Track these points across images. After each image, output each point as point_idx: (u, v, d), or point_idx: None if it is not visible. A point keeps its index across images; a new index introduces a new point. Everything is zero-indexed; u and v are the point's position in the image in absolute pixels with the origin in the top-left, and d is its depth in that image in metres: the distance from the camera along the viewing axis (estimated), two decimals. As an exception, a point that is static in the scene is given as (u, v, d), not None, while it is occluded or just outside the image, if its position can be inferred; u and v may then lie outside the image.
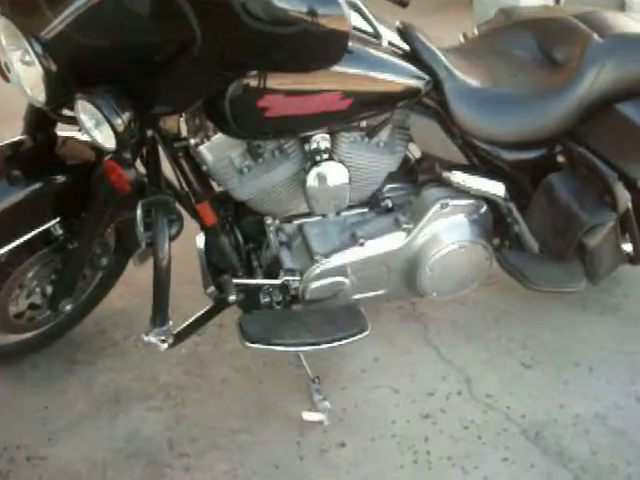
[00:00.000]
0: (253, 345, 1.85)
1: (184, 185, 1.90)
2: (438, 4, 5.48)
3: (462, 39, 2.33)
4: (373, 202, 2.05)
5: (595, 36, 1.98)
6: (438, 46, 2.01)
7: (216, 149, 1.82)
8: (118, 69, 1.56)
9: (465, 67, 1.96)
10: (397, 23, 1.93)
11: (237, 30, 1.45)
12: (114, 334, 2.30)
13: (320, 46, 1.54)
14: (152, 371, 2.14)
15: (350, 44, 1.61)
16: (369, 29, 1.67)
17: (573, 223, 1.87)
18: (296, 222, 2.01)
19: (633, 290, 2.48)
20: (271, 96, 1.63)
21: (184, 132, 1.86)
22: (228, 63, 1.54)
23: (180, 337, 1.89)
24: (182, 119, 1.85)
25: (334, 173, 1.85)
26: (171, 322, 1.80)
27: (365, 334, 1.91)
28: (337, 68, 1.64)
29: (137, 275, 2.29)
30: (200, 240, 2.11)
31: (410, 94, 1.83)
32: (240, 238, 2.04)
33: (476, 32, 2.33)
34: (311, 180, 1.85)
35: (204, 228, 1.99)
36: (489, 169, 2.01)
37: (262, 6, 1.42)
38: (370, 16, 1.64)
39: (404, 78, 1.80)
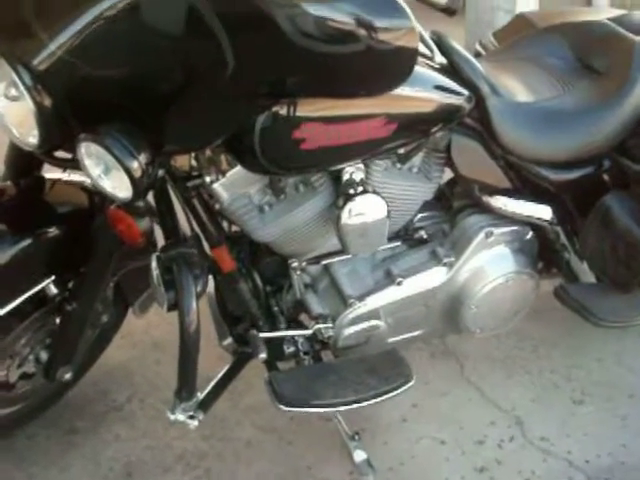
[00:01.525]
0: (290, 409, 1.61)
1: (196, 229, 1.66)
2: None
3: (480, 49, 2.14)
4: (406, 234, 1.84)
5: (639, 40, 1.81)
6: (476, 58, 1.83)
7: (233, 186, 1.58)
8: (130, 102, 1.30)
9: (504, 80, 1.77)
10: (428, 33, 1.72)
11: (281, 51, 1.22)
12: (116, 395, 2.04)
13: (386, 66, 1.32)
14: (165, 437, 1.89)
15: None
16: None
17: (638, 250, 1.69)
18: (326, 261, 1.79)
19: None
20: (309, 125, 1.40)
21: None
22: (267, 90, 1.30)
23: (205, 406, 1.64)
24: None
25: (372, 207, 1.62)
26: (199, 393, 1.56)
27: (411, 384, 1.70)
28: None
29: (133, 324, 2.05)
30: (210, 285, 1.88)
31: (454, 113, 1.62)
32: (259, 283, 1.80)
33: (493, 40, 2.15)
34: (346, 217, 1.60)
35: (213, 272, 1.76)
36: (532, 191, 1.82)
37: (316, 22, 1.19)
38: (421, 29, 1.43)
39: (450, 97, 1.59)
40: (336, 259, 1.78)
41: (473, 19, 4.12)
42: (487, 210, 1.81)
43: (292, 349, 1.81)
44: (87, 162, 1.32)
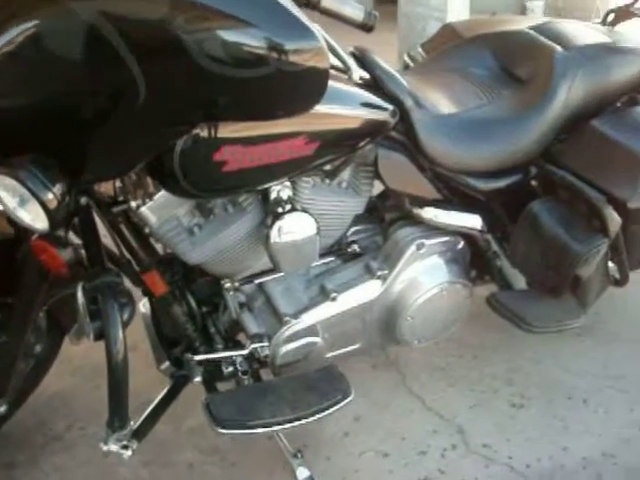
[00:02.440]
0: (227, 431, 1.60)
1: (125, 253, 1.64)
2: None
3: (408, 60, 2.15)
4: (339, 249, 1.84)
5: (559, 49, 1.84)
6: (399, 70, 1.84)
7: (161, 209, 1.56)
8: (41, 132, 1.27)
9: (428, 92, 1.78)
10: (351, 48, 1.72)
11: (192, 76, 1.21)
12: (55, 424, 1.99)
13: (299, 87, 1.31)
14: (107, 466, 1.85)
15: None
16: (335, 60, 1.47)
17: (566, 255, 1.71)
18: (259, 280, 1.78)
19: (601, 307, 2.36)
20: (230, 147, 1.39)
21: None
22: (181, 116, 1.29)
23: (141, 434, 1.60)
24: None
25: (300, 225, 1.61)
26: (132, 422, 1.53)
27: (350, 399, 1.69)
28: None
29: (71, 350, 2.00)
30: (145, 307, 1.86)
31: (379, 128, 1.63)
32: (194, 304, 1.78)
33: (420, 51, 2.16)
34: (275, 236, 1.60)
35: (148, 294, 1.74)
36: (461, 201, 1.83)
37: (223, 45, 1.18)
38: (337, 46, 1.43)
39: (374, 112, 1.60)
40: (269, 277, 1.77)
41: (405, 28, 4.14)
42: (418, 222, 1.82)
43: (230, 369, 1.79)
44: (2, 194, 1.29)
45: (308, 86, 1.33)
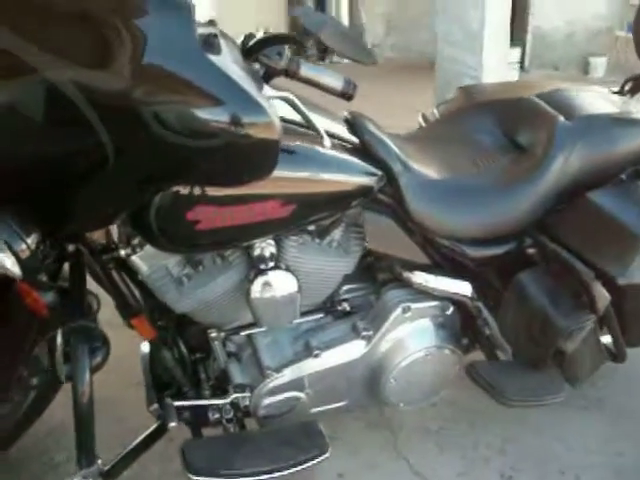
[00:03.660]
0: (198, 478, 1.63)
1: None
2: (399, 67, 5.38)
3: (421, 121, 2.18)
4: (329, 306, 1.86)
5: (561, 118, 1.83)
6: (395, 134, 1.87)
7: (151, 258, 1.64)
8: (18, 186, 1.35)
9: (422, 157, 1.80)
10: (345, 113, 1.77)
11: (152, 143, 1.28)
12: (56, 454, 2.07)
13: (248, 158, 1.37)
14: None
15: (289, 144, 1.46)
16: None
17: (549, 329, 1.69)
18: (245, 332, 1.82)
19: (615, 379, 2.30)
20: (202, 207, 1.45)
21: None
22: (146, 178, 1.36)
23: (114, 473, 1.66)
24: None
25: (281, 283, 1.66)
26: (100, 461, 1.59)
27: (325, 456, 1.71)
28: (276, 173, 1.48)
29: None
30: (145, 348, 1.92)
31: (362, 193, 1.66)
32: (184, 351, 1.84)
33: (435, 112, 2.18)
34: (255, 291, 1.65)
35: (148, 337, 1.81)
36: (453, 267, 1.83)
37: (178, 116, 1.25)
38: (307, 114, 1.48)
39: (353, 176, 1.63)
40: (257, 330, 1.81)
41: (442, 86, 4.19)
42: (409, 285, 1.83)
43: (216, 416, 1.83)
44: None
45: (259, 157, 1.38)
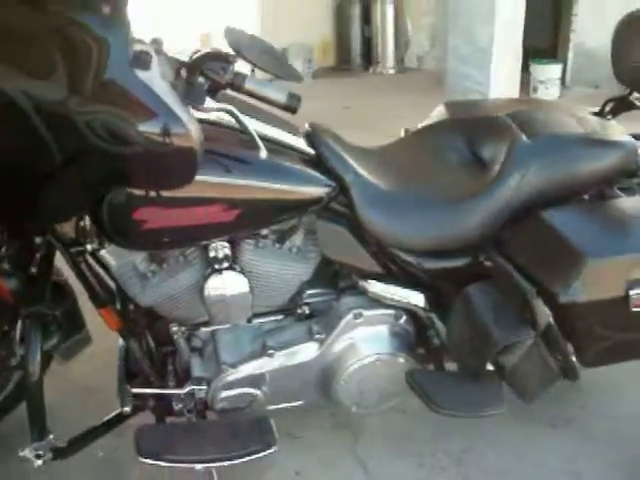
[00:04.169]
0: (145, 460, 1.74)
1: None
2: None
3: (403, 134, 2.23)
4: (290, 309, 1.95)
5: (523, 137, 1.86)
6: (359, 147, 1.94)
7: (119, 253, 1.76)
8: None
9: (380, 170, 1.86)
10: (306, 126, 1.85)
11: (88, 150, 1.40)
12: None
13: (169, 165, 1.48)
14: (63, 475, 2.04)
15: (233, 152, 1.58)
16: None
17: (486, 341, 1.72)
18: (209, 328, 1.92)
19: (592, 398, 2.30)
20: (147, 209, 1.57)
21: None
22: (91, 181, 1.48)
23: (65, 452, 1.80)
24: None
25: (231, 283, 1.77)
26: (51, 436, 1.72)
27: (271, 451, 1.78)
28: (219, 179, 1.58)
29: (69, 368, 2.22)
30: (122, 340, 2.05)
31: (311, 202, 1.74)
32: (152, 342, 1.96)
33: (420, 127, 2.24)
34: (208, 289, 1.77)
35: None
36: (408, 277, 1.88)
37: (105, 126, 1.37)
38: (248, 125, 1.58)
39: (301, 186, 1.72)
40: (216, 327, 1.91)
41: (451, 99, 4.20)
42: (364, 292, 1.89)
43: (180, 406, 1.94)
44: None
45: (179, 164, 1.48)
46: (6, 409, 2.16)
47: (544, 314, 1.70)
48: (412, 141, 2.08)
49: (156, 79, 1.40)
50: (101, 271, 1.83)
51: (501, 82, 3.77)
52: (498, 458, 2.09)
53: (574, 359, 1.87)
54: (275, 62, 1.58)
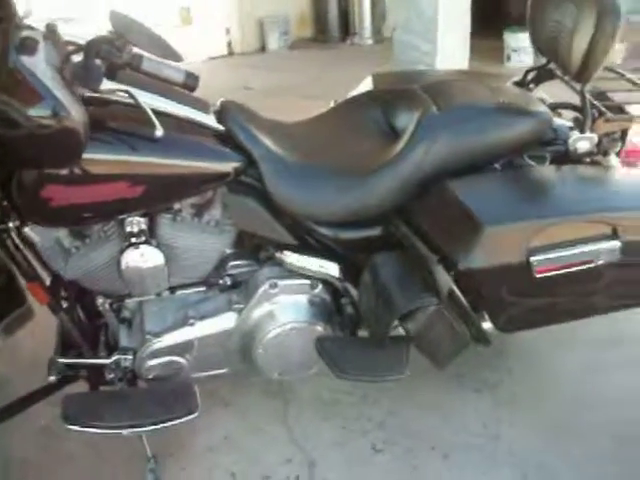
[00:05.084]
0: (71, 427, 1.82)
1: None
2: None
3: (332, 105, 2.27)
4: (211, 280, 2.01)
5: (433, 108, 1.90)
6: (275, 121, 1.99)
7: (43, 230, 1.83)
8: None
9: (292, 143, 1.91)
10: (217, 103, 1.90)
11: None
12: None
13: (53, 146, 1.54)
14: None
15: (135, 130, 1.64)
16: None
17: (389, 308, 1.78)
18: (132, 300, 1.99)
19: (518, 364, 2.37)
20: (52, 186, 1.63)
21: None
22: None
23: (3, 415, 1.89)
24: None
25: (147, 256, 1.83)
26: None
27: (193, 416, 1.86)
28: (116, 157, 1.65)
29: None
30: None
31: (217, 177, 1.80)
32: (82, 315, 2.03)
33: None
34: (124, 263, 1.84)
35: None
36: (323, 248, 1.94)
37: None
38: (144, 105, 1.63)
39: (206, 161, 1.78)
40: (139, 299, 1.98)
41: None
42: (281, 264, 1.96)
43: (111, 376, 2.02)
44: None
45: (63, 145, 1.54)
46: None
47: (444, 281, 1.76)
48: (333, 113, 2.13)
49: (40, 64, 1.46)
50: (26, 248, 1.91)
51: (449, 52, 3.76)
52: (421, 421, 2.16)
53: (489, 325, 1.94)
54: (156, 43, 1.62)
